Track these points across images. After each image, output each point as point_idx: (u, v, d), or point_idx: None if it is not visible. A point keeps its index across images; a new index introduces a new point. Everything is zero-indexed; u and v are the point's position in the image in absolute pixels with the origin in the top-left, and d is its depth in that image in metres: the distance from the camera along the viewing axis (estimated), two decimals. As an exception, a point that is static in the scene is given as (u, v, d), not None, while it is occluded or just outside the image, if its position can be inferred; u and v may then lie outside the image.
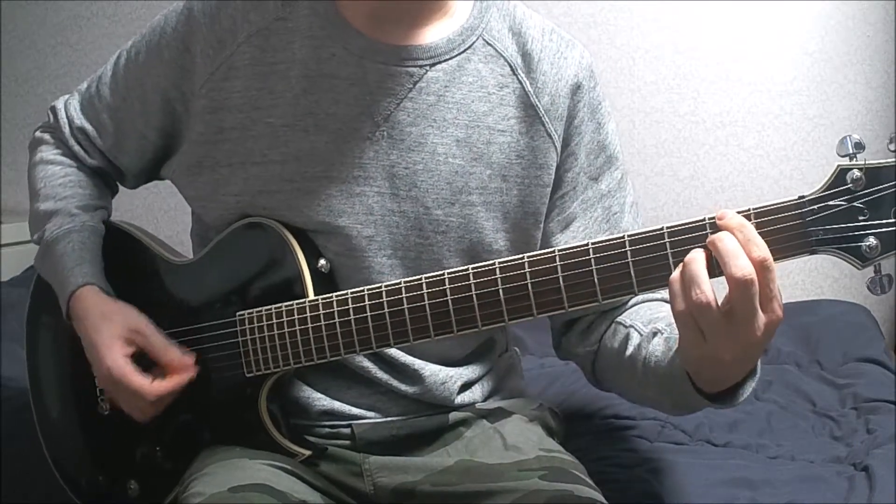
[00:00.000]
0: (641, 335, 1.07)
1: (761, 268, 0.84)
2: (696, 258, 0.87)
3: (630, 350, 1.08)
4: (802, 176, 2.34)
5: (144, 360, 1.13)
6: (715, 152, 2.41)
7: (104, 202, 1.28)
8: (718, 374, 0.93)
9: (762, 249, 0.85)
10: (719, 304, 0.85)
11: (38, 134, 1.30)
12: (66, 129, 1.25)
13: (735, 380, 0.94)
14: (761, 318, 0.85)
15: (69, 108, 1.26)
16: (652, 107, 2.43)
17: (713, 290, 0.86)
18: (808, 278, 2.38)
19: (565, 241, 1.16)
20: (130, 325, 1.13)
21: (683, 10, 2.39)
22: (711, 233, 0.87)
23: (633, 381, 1.08)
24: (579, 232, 1.16)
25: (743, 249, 0.85)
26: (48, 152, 1.26)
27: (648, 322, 1.09)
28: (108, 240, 1.23)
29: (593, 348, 1.16)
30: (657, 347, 1.03)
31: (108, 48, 1.25)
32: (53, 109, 1.28)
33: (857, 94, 2.31)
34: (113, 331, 1.12)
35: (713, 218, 0.88)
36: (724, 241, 0.85)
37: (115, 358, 1.11)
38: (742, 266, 0.84)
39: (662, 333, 1.04)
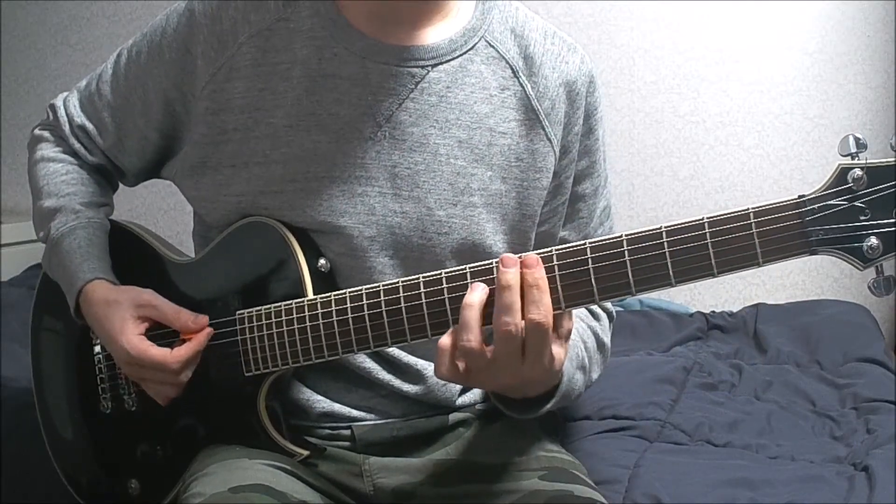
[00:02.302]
0: None
1: (534, 329, 0.89)
2: (473, 304, 0.91)
3: None
4: (802, 176, 2.34)
5: (160, 341, 1.12)
6: (715, 152, 2.41)
7: (106, 199, 1.27)
8: (499, 392, 1.01)
9: (541, 314, 0.89)
10: (487, 347, 0.91)
11: (37, 132, 1.30)
12: (67, 127, 1.25)
13: (533, 394, 1.00)
14: (522, 366, 0.91)
15: (69, 105, 1.25)
16: (652, 107, 2.43)
17: (481, 340, 0.91)
18: (808, 278, 2.38)
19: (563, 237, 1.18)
20: (137, 302, 1.12)
21: (683, 10, 2.39)
22: (710, 232, 0.87)
23: None
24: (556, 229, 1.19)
25: (522, 306, 0.89)
26: (48, 150, 1.26)
27: None
28: (111, 239, 1.23)
29: None
30: None
31: (108, 48, 1.24)
32: (53, 107, 1.27)
33: (857, 94, 2.31)
34: (122, 314, 1.12)
35: (712, 217, 0.88)
36: (505, 294, 0.89)
37: (130, 338, 1.10)
38: (508, 322, 0.89)
39: None
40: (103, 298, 1.14)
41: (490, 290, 0.92)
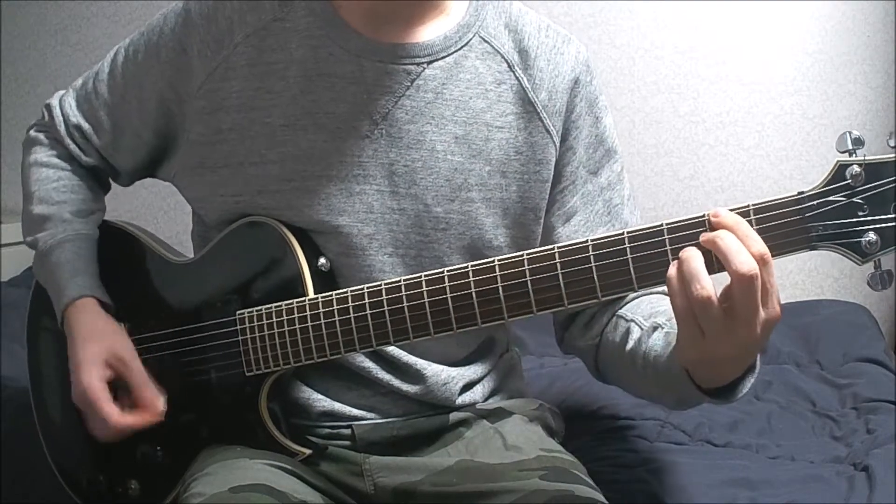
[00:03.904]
0: (642, 329, 1.07)
1: (762, 262, 0.84)
2: (694, 255, 0.86)
3: (630, 344, 1.08)
4: (802, 176, 2.34)
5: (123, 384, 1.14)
6: (715, 152, 2.40)
7: (98, 205, 1.28)
8: (716, 372, 0.94)
9: (760, 244, 0.85)
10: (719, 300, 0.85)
11: (32, 133, 1.30)
12: (62, 128, 1.25)
13: (733, 376, 0.95)
14: (761, 315, 0.85)
15: (64, 105, 1.26)
16: (652, 107, 2.42)
17: (713, 287, 0.85)
18: (808, 278, 2.37)
19: (567, 234, 1.16)
20: (114, 351, 1.13)
21: (683, 10, 2.38)
22: (711, 229, 0.88)
23: (634, 375, 1.08)
24: (581, 226, 1.16)
25: (742, 245, 0.85)
26: (42, 154, 1.26)
27: (649, 316, 1.08)
28: (108, 240, 1.23)
29: (595, 342, 1.16)
30: (657, 342, 1.03)
31: (108, 48, 1.24)
32: (48, 107, 1.27)
33: (857, 94, 2.31)
34: (96, 352, 1.13)
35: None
36: (725, 239, 0.85)
37: (92, 380, 1.11)
38: (745, 262, 0.83)
39: (663, 328, 1.04)
40: (88, 327, 1.15)
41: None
